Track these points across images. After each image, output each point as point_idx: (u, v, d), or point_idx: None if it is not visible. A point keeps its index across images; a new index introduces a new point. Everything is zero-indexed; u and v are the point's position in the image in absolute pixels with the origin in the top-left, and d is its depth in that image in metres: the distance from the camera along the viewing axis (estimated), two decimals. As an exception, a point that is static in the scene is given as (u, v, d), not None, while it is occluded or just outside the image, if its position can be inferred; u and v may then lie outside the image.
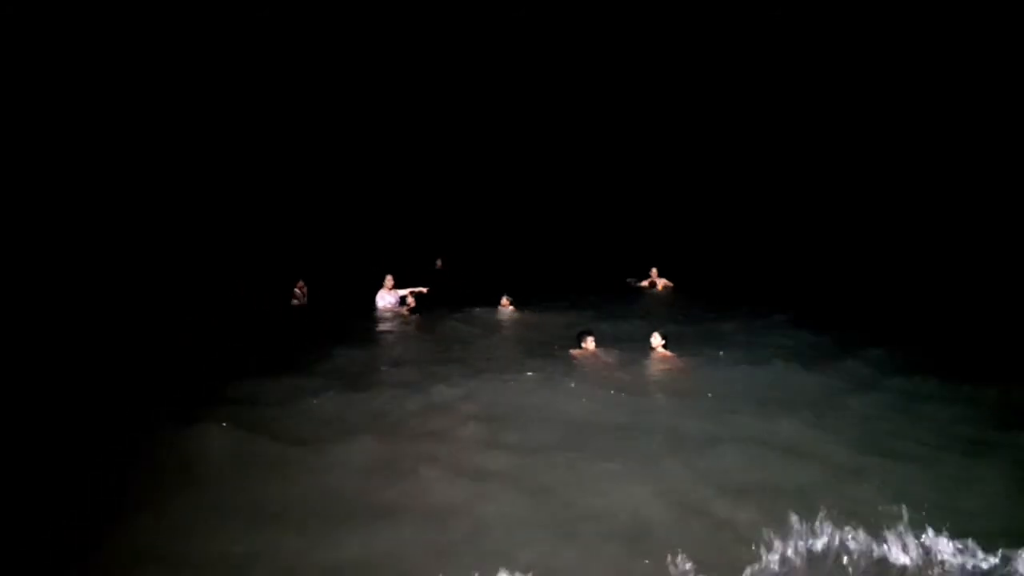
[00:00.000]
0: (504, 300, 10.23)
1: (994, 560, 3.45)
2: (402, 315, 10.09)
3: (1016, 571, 3.39)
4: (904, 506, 3.81)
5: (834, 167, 19.85)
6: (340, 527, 3.94)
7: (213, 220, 17.76)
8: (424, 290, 10.60)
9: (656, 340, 7.32)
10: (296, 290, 11.77)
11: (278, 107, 19.32)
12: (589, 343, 7.31)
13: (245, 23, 17.49)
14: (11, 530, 3.92)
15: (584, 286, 12.60)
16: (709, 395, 6.10)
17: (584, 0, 19.62)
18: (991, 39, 16.26)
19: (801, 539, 3.65)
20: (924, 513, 3.81)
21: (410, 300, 10.35)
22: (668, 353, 7.24)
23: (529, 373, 6.83)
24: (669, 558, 3.50)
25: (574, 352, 7.39)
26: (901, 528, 3.67)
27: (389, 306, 10.18)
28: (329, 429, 5.47)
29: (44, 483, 4.50)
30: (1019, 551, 3.46)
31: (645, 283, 12.57)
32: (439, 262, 14.49)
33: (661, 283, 12.49)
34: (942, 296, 11.48)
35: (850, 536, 3.66)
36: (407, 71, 20.56)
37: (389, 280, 10.39)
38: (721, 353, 7.41)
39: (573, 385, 6.38)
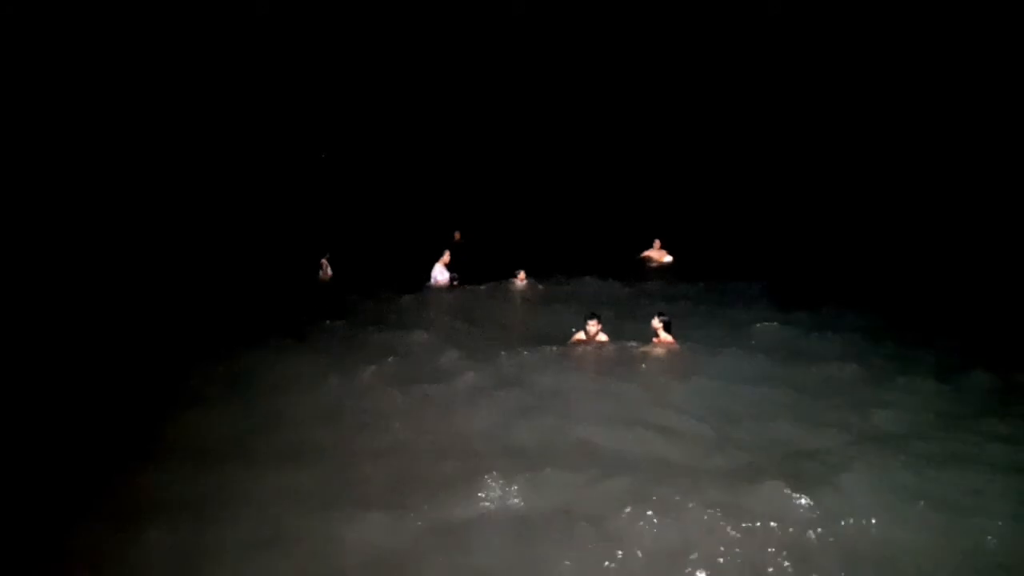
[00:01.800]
0: (520, 275, 10.56)
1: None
2: (445, 288, 10.64)
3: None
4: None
5: (833, 139, 19.42)
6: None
7: (230, 199, 18.33)
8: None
9: (656, 322, 7.52)
10: (323, 261, 12.36)
11: (295, 82, 19.49)
12: (592, 327, 7.59)
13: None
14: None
15: (597, 258, 12.83)
16: (700, 386, 6.37)
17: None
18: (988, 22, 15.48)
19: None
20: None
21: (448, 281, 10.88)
22: (668, 337, 7.47)
23: (530, 354, 7.27)
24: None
25: (577, 336, 7.70)
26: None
27: (443, 280, 10.72)
28: (330, 399, 6.18)
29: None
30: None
31: (650, 253, 13.10)
32: (457, 234, 14.78)
33: (662, 255, 13.03)
34: (947, 276, 11.42)
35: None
36: (420, 44, 20.38)
37: (447, 255, 10.96)
38: (753, 342, 7.75)
39: (567, 370, 6.84)
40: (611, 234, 15.20)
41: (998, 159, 16.34)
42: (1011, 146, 15.97)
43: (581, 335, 7.68)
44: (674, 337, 7.50)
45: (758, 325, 8.25)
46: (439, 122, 21.89)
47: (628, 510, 4.18)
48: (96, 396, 6.26)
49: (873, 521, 4.08)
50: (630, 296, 9.87)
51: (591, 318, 7.60)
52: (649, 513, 4.13)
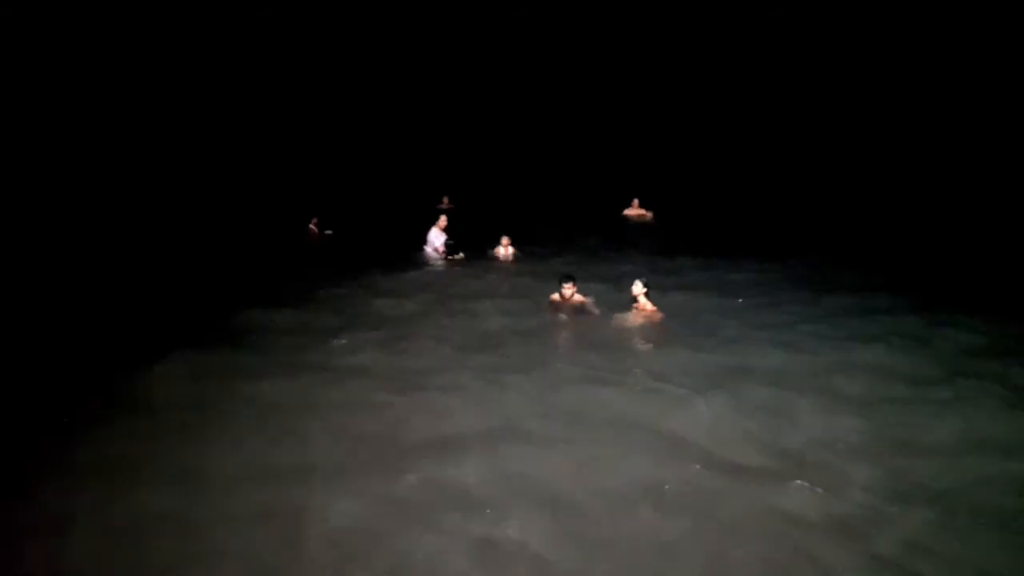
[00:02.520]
0: (504, 240, 10.35)
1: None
2: (440, 258, 10.37)
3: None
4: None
5: (822, 111, 18.98)
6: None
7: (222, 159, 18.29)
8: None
9: (637, 288, 7.25)
10: (311, 227, 12.23)
11: (287, 43, 19.33)
12: (567, 289, 7.36)
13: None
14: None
15: (583, 221, 12.76)
16: (678, 357, 6.05)
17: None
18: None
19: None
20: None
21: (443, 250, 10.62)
22: (648, 304, 7.22)
23: (512, 320, 7.08)
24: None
25: (553, 297, 7.49)
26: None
27: (439, 245, 10.50)
28: (310, 364, 5.86)
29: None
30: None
31: (629, 211, 13.69)
32: (445, 199, 14.56)
33: (641, 213, 13.62)
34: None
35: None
36: (410, 9, 20.05)
37: (443, 220, 10.72)
38: (740, 300, 7.69)
39: (544, 338, 6.60)
40: (593, 196, 15.18)
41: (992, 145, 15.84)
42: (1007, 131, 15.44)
43: (556, 296, 7.47)
44: (654, 304, 7.25)
45: (741, 295, 7.97)
46: (423, 86, 21.63)
47: (597, 483, 3.97)
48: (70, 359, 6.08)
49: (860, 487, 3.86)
50: (613, 260, 9.63)
51: (567, 280, 7.38)
52: (614, 485, 3.93)
